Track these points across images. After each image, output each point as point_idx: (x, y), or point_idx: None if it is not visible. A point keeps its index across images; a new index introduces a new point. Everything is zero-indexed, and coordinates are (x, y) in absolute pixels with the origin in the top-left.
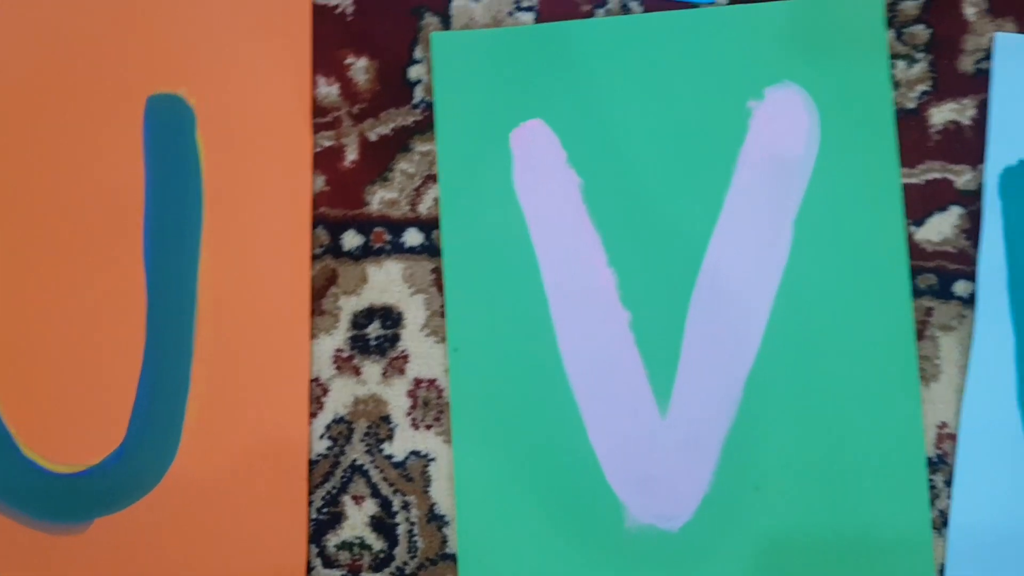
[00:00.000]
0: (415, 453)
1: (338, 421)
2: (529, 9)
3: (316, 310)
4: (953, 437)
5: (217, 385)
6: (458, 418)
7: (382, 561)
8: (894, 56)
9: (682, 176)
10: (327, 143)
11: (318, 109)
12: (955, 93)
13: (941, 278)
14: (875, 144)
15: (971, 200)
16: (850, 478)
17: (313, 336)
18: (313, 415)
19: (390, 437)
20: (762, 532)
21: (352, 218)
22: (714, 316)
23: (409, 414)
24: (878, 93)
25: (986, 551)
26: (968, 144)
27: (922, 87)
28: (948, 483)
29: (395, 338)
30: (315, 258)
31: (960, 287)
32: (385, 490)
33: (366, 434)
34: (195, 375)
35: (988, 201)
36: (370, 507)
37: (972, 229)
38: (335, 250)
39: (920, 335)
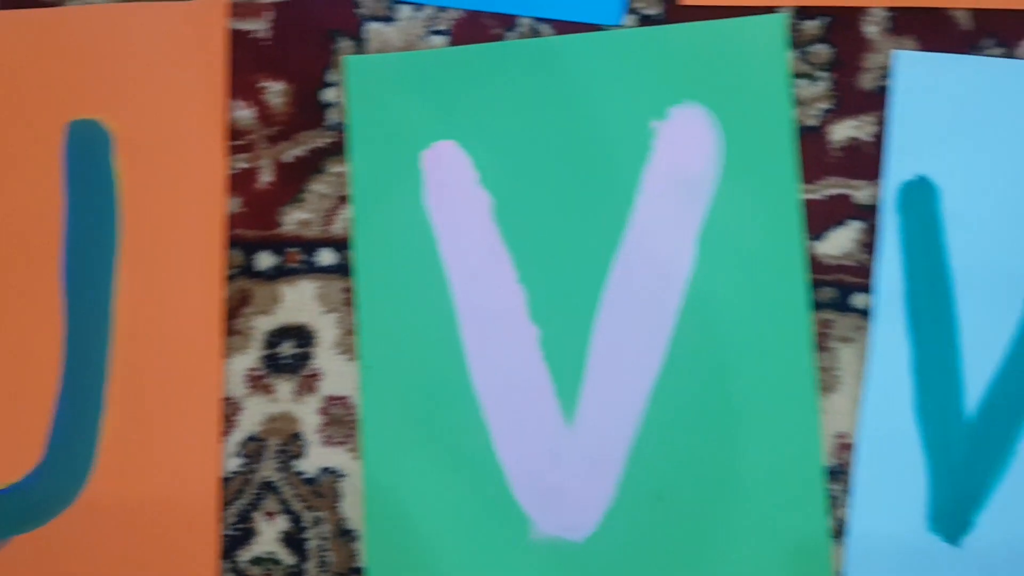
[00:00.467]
0: (326, 470)
1: (251, 439)
2: (442, 33)
3: (230, 330)
4: (851, 447)
5: (131, 404)
6: (369, 434)
7: None
8: (797, 75)
9: (590, 195)
10: (242, 165)
11: (234, 132)
12: (856, 110)
13: (840, 291)
14: (776, 161)
15: (870, 215)
16: (750, 488)
17: (226, 356)
18: (226, 433)
19: (302, 454)
20: (666, 542)
21: (266, 239)
22: (620, 330)
23: (321, 431)
24: (779, 112)
25: (883, 559)
26: (868, 160)
27: (824, 105)
28: (847, 492)
29: (308, 356)
30: (229, 279)
31: (859, 300)
32: (296, 506)
33: (278, 451)
34: (110, 394)
35: (885, 215)
36: (281, 523)
37: (871, 243)
38: (249, 271)
39: (820, 347)
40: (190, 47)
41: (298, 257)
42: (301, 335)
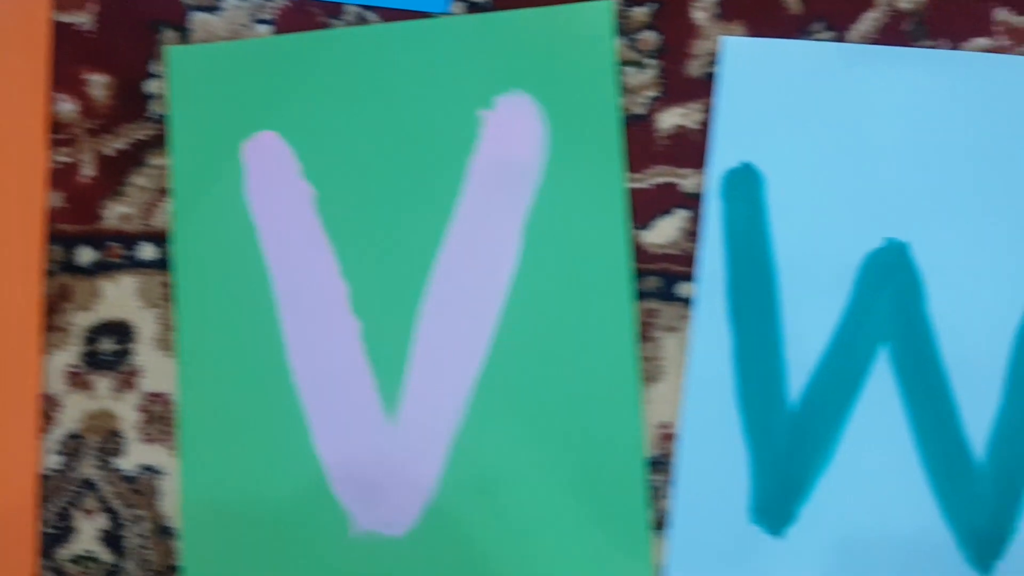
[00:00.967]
0: (145, 467)
1: (70, 436)
2: (267, 22)
3: (49, 326)
4: (674, 437)
5: None
6: (187, 431)
7: (111, 574)
8: (624, 62)
9: (415, 186)
10: (64, 159)
11: (55, 125)
12: (683, 98)
13: (665, 280)
14: (602, 150)
15: (697, 204)
16: (572, 481)
17: (46, 352)
18: (45, 431)
19: (121, 451)
20: (487, 536)
21: (87, 233)
22: (444, 323)
23: (140, 428)
24: (606, 100)
25: (705, 551)
26: (695, 148)
27: (651, 92)
28: (669, 483)
29: (127, 353)
30: (49, 274)
31: (683, 289)
32: (115, 504)
33: (97, 449)
34: None
35: (709, 203)
36: (100, 521)
37: (697, 232)
38: (69, 266)
39: (644, 336)
40: (12, 39)
41: (119, 252)
42: (121, 331)
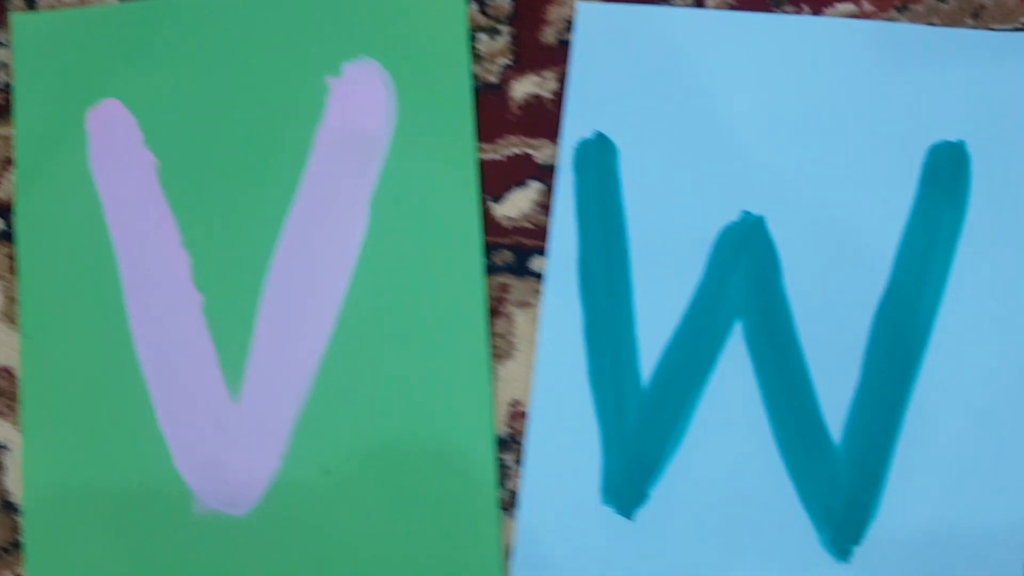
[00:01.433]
0: None
1: None
2: None
3: None
4: (525, 415)
5: None
6: (29, 407)
7: None
8: (477, 29)
9: (261, 156)
10: None
11: None
12: (537, 66)
13: (518, 254)
14: (452, 120)
15: (551, 176)
16: (419, 460)
17: None
18: None
19: None
20: (330, 517)
21: None
22: (288, 298)
23: None
24: (457, 68)
25: (555, 533)
26: (550, 118)
27: (504, 60)
28: (520, 462)
29: None
30: None
31: (536, 263)
32: None
33: None
34: None
35: (562, 175)
36: None
37: (550, 205)
38: None
39: (496, 312)
40: None
41: None
42: None
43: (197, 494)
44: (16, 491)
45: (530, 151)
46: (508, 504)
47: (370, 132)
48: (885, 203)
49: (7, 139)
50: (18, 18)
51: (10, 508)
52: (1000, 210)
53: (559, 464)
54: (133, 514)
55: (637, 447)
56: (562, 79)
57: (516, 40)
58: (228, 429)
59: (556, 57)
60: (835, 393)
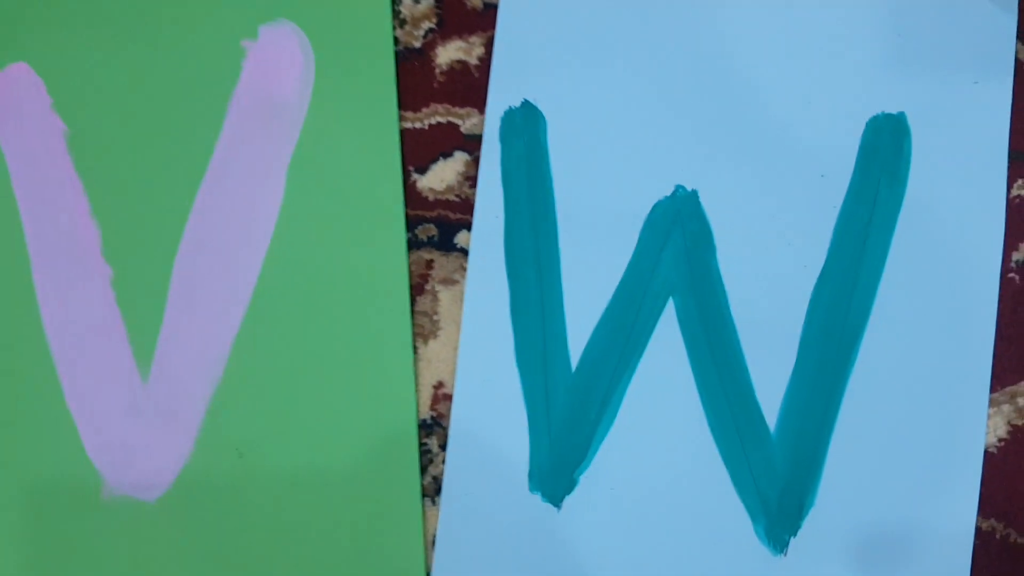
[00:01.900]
0: None
1: None
2: None
3: None
4: (450, 397)
5: None
6: None
7: None
8: None
9: (173, 123)
10: None
11: None
12: (463, 31)
13: (442, 229)
14: (373, 86)
15: (477, 146)
16: (339, 444)
17: None
18: None
19: None
20: (246, 502)
21: None
22: (201, 273)
23: None
24: (378, 31)
25: (480, 521)
26: (476, 86)
27: (428, 24)
28: (444, 447)
29: None
30: None
31: (462, 238)
32: None
33: None
34: None
35: (488, 145)
36: None
37: (477, 176)
38: None
39: (420, 289)
40: None
41: None
42: None
43: (107, 479)
44: None
45: (455, 120)
46: (432, 491)
47: (287, 99)
48: (823, 178)
49: None
50: None
51: None
52: (941, 186)
53: (484, 449)
54: (39, 499)
55: (565, 431)
56: (489, 45)
57: (440, 3)
58: (139, 411)
59: (483, 22)
60: (771, 377)
